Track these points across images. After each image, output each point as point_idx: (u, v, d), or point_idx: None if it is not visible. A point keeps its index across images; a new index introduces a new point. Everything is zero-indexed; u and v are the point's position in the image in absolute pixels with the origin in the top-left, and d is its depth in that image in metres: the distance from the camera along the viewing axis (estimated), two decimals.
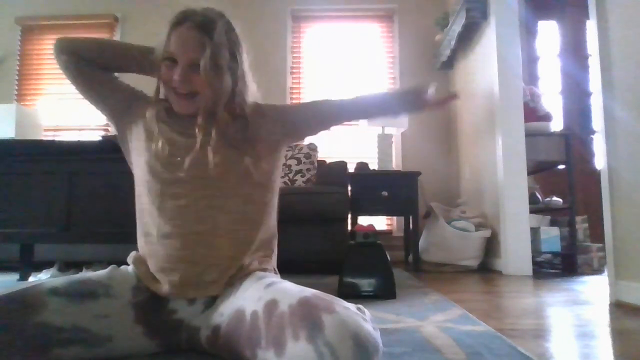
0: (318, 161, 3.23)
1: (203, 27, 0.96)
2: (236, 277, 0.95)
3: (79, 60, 1.01)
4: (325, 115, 1.15)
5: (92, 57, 1.02)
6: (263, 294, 0.82)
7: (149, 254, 0.98)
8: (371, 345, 0.68)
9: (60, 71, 1.04)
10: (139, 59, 1.05)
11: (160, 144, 0.98)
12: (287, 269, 1.13)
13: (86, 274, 0.93)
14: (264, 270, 1.00)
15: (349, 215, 2.88)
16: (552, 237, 2.94)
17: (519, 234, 2.78)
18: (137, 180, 1.04)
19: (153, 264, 0.97)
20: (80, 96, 1.06)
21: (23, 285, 2.22)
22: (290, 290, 0.80)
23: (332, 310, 0.70)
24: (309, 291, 0.79)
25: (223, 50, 0.97)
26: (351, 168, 3.26)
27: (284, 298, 0.77)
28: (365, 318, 0.74)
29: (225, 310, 0.89)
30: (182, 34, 0.96)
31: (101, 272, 0.95)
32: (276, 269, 1.08)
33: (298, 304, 0.74)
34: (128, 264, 1.02)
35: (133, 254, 1.02)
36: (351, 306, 0.75)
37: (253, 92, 1.07)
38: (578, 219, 3.09)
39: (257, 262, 1.00)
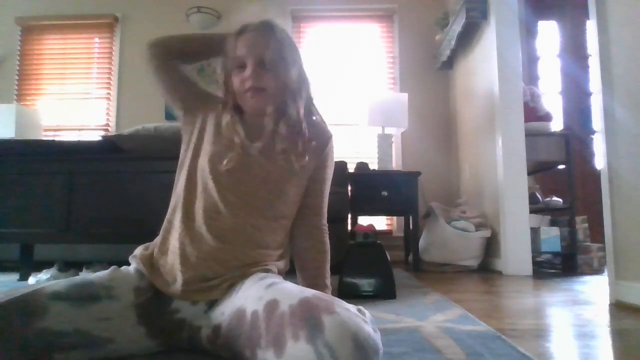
0: None
1: (264, 30, 1.08)
2: (238, 278, 0.95)
3: (168, 53, 1.11)
4: (306, 214, 1.14)
5: (180, 47, 1.13)
6: (264, 293, 0.82)
7: (176, 248, 0.98)
8: (371, 347, 0.68)
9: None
10: (214, 46, 1.14)
11: (228, 138, 1.04)
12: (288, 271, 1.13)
13: (87, 276, 0.92)
14: (267, 271, 1.00)
15: (349, 215, 2.88)
16: (552, 237, 2.94)
17: (519, 234, 2.78)
18: (191, 170, 1.05)
19: (171, 261, 0.97)
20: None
21: (23, 286, 2.23)
22: (291, 291, 0.80)
23: (332, 311, 0.70)
24: (309, 292, 0.79)
25: (286, 46, 1.08)
26: (351, 168, 3.26)
27: (284, 298, 0.77)
28: (365, 320, 0.73)
29: (226, 310, 0.89)
30: (247, 38, 1.06)
31: (102, 274, 0.95)
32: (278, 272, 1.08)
33: (298, 305, 0.74)
34: (129, 264, 1.02)
35: (138, 251, 1.02)
36: (351, 307, 0.75)
37: (312, 89, 1.15)
38: (578, 219, 3.09)
39: (261, 266, 1.00)
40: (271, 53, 1.05)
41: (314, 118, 1.16)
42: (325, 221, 1.17)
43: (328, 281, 1.13)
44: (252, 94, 1.04)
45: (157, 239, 1.04)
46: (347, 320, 0.69)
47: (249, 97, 1.05)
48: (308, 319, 0.70)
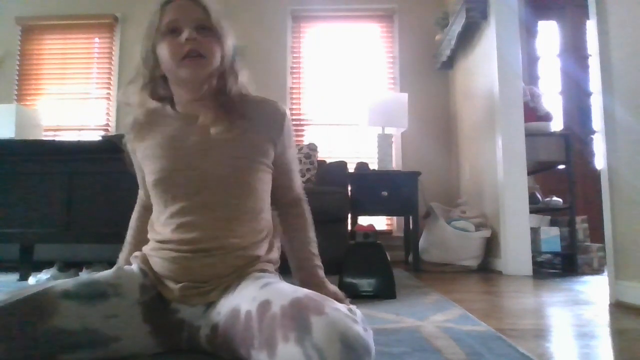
0: (318, 161, 3.23)
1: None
2: (235, 280, 0.95)
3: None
4: (280, 192, 1.11)
5: None
6: (257, 294, 0.82)
7: (165, 258, 0.97)
8: (361, 347, 0.66)
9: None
10: None
11: (169, 151, 0.99)
12: (287, 269, 1.13)
13: (93, 275, 0.92)
14: (264, 271, 0.99)
15: (349, 215, 2.88)
16: (552, 237, 2.94)
17: (519, 234, 2.78)
18: (150, 188, 1.04)
19: (164, 270, 0.96)
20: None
21: (24, 286, 2.23)
22: (284, 291, 0.79)
23: (321, 311, 0.70)
24: (302, 292, 0.78)
25: (221, 14, 1.01)
26: (351, 168, 3.26)
27: (276, 299, 0.77)
28: (355, 319, 0.72)
29: (222, 309, 0.89)
30: (180, 4, 0.99)
31: (107, 273, 0.95)
32: (276, 271, 1.07)
33: (289, 305, 0.73)
34: (130, 264, 1.03)
35: (138, 253, 1.03)
36: (342, 307, 0.74)
37: (245, 76, 1.08)
38: (578, 219, 3.09)
39: (258, 265, 0.99)
40: (212, 19, 0.98)
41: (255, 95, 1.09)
42: (299, 190, 1.15)
43: (314, 247, 1.12)
44: (189, 61, 0.96)
45: (148, 247, 1.03)
46: (335, 321, 0.68)
47: (185, 65, 0.96)
48: (297, 320, 0.69)
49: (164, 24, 0.98)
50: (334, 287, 1.14)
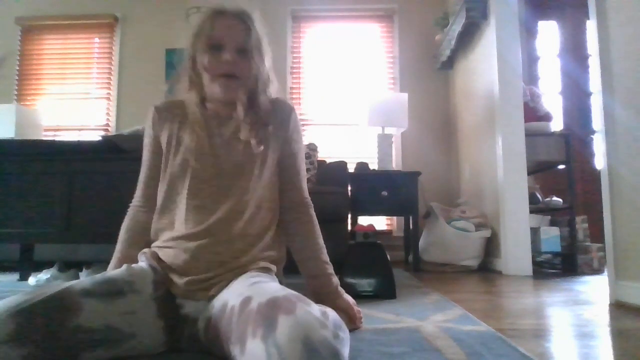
0: (318, 161, 3.22)
1: (245, 17, 1.08)
2: (236, 276, 0.96)
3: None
4: (285, 191, 1.15)
5: None
6: (244, 290, 0.83)
7: (168, 254, 1.00)
8: (324, 351, 0.65)
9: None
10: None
11: (197, 139, 1.06)
12: (288, 269, 1.13)
13: (106, 274, 0.93)
14: (265, 269, 1.00)
15: (349, 215, 2.88)
16: (552, 237, 2.94)
17: (519, 234, 2.79)
18: (166, 181, 1.08)
19: (169, 263, 0.99)
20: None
21: (27, 285, 2.23)
22: (267, 289, 0.80)
23: (290, 311, 0.69)
24: (283, 292, 0.78)
25: (264, 37, 1.11)
26: (351, 168, 3.26)
27: (257, 296, 0.77)
28: (325, 324, 0.70)
29: (216, 303, 0.90)
30: (226, 21, 1.06)
31: (119, 271, 0.96)
32: (276, 273, 1.07)
33: (265, 303, 0.73)
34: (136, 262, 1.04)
35: (146, 250, 1.04)
36: (314, 310, 0.73)
37: (275, 87, 1.16)
38: (578, 219, 3.09)
39: (261, 264, 1.01)
40: (252, 42, 1.06)
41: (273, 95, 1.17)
42: (306, 194, 1.18)
43: (324, 255, 1.13)
44: (225, 80, 1.05)
45: (157, 243, 1.06)
46: (300, 322, 0.67)
47: (220, 83, 1.06)
48: (267, 317, 0.70)
49: (211, 35, 1.05)
50: (349, 297, 1.15)
